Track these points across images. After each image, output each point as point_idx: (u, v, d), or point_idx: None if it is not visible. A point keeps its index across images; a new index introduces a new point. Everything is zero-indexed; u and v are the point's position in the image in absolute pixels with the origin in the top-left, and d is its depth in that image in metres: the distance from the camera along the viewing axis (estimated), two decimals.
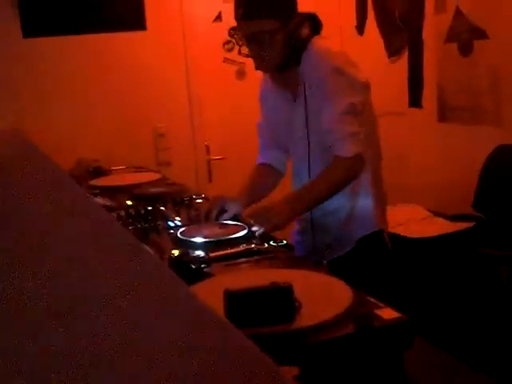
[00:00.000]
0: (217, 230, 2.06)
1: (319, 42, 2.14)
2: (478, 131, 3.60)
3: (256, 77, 4.39)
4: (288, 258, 1.81)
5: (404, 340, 1.36)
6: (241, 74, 4.29)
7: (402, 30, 4.07)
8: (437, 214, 3.65)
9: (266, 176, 2.42)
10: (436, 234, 3.33)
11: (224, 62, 4.28)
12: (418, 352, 1.44)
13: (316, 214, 2.21)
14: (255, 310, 1.30)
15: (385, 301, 1.43)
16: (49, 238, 0.44)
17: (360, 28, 4.43)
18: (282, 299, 1.31)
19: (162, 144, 4.04)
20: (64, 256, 0.43)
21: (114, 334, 0.41)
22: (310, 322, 1.30)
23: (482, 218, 3.37)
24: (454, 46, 3.70)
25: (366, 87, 2.13)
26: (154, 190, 2.73)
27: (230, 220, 2.15)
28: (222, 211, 2.16)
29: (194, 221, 2.21)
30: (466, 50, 3.61)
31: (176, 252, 1.83)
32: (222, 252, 1.82)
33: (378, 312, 1.36)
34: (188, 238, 1.99)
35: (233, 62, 4.29)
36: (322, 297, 1.47)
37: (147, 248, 1.88)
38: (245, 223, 2.09)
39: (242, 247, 1.86)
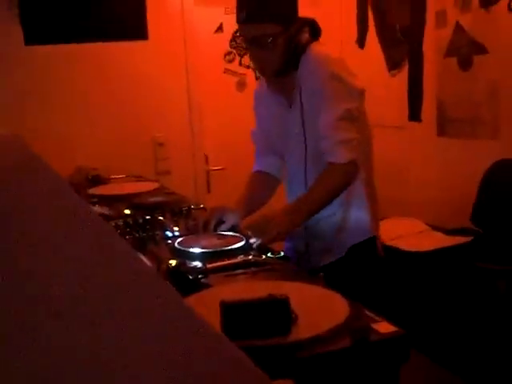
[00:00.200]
0: (215, 241, 2.06)
1: (318, 48, 2.16)
2: (476, 145, 3.61)
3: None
4: (285, 269, 1.80)
5: (400, 354, 1.36)
6: (241, 85, 4.30)
7: (402, 44, 4.09)
8: (435, 227, 3.65)
9: (262, 184, 2.42)
10: (433, 247, 3.33)
11: (224, 72, 4.29)
12: (414, 366, 1.43)
13: (309, 220, 2.20)
14: (251, 321, 1.30)
15: (382, 314, 1.43)
16: (43, 246, 0.44)
17: (361, 41, 4.45)
18: (278, 311, 1.31)
19: (161, 153, 4.04)
20: (57, 267, 0.43)
21: (105, 344, 0.41)
22: (306, 335, 1.30)
23: (480, 233, 3.37)
24: (453, 61, 3.72)
25: (361, 94, 2.14)
26: (152, 199, 2.73)
27: (228, 231, 2.15)
28: (220, 222, 2.16)
29: (192, 231, 2.21)
30: (465, 64, 3.63)
31: (173, 262, 1.83)
32: (220, 263, 1.81)
33: (375, 326, 1.36)
34: (186, 249, 1.98)
35: (233, 72, 4.30)
36: (319, 309, 1.47)
37: (143, 257, 1.88)
38: (243, 234, 2.08)
39: (240, 258, 1.85)
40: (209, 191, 4.23)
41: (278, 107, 2.26)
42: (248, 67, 4.31)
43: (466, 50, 3.61)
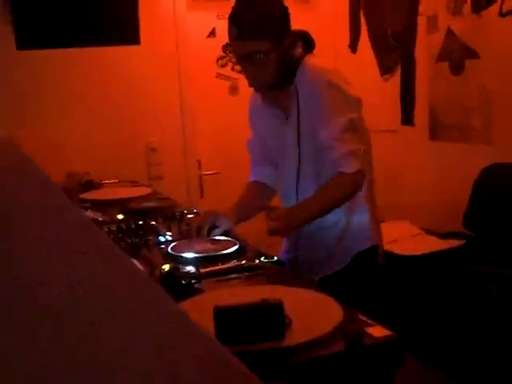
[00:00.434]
0: (208, 246, 2.06)
1: (312, 60, 2.15)
2: (468, 150, 3.62)
3: (249, 93, 4.40)
4: (279, 274, 1.80)
5: (395, 358, 1.36)
6: (234, 89, 4.30)
7: (394, 49, 4.10)
8: (428, 231, 3.66)
9: (258, 193, 2.41)
10: (427, 251, 3.34)
11: (217, 77, 4.29)
12: (409, 370, 1.43)
13: (311, 228, 2.19)
14: (245, 326, 1.30)
15: (376, 318, 1.43)
16: (33, 250, 0.43)
17: (353, 46, 4.46)
18: (272, 316, 1.30)
19: (154, 158, 4.04)
20: (47, 269, 0.43)
21: (96, 347, 0.41)
22: (300, 339, 1.30)
23: (473, 236, 3.38)
24: (445, 65, 3.73)
25: (359, 103, 2.14)
26: (145, 204, 2.73)
27: (222, 236, 2.14)
28: (214, 227, 2.16)
29: (185, 236, 2.20)
30: (457, 69, 3.64)
31: (166, 267, 1.82)
32: (213, 268, 1.81)
33: (369, 330, 1.36)
34: (179, 254, 1.98)
35: (226, 77, 4.31)
36: (313, 314, 1.47)
37: (136, 262, 1.87)
38: (236, 239, 2.08)
39: (233, 263, 1.85)
40: (202, 196, 4.23)
41: (273, 119, 2.25)
42: (240, 72, 4.31)
43: (457, 55, 3.63)
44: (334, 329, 1.34)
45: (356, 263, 2.22)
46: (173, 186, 3.84)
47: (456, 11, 3.59)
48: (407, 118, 4.06)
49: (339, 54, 4.36)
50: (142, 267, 1.85)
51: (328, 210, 2.06)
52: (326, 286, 2.10)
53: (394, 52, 4.11)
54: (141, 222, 2.34)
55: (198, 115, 4.16)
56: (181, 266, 1.83)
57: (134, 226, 2.31)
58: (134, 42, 3.87)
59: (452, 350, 3.01)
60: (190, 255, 1.96)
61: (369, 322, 1.40)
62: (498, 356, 2.85)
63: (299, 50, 2.13)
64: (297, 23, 2.20)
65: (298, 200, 2.20)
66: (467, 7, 3.50)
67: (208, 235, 2.13)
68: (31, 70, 3.67)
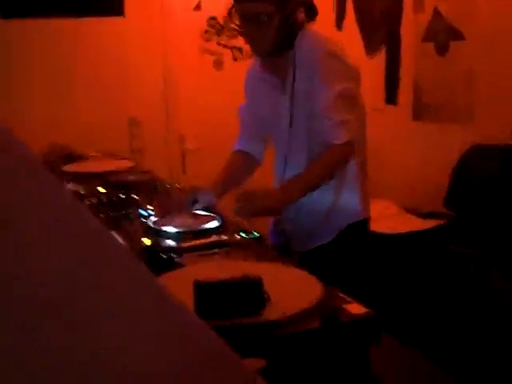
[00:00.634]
0: (189, 221, 2.06)
1: (313, 28, 2.16)
2: (451, 130, 3.64)
3: (233, 68, 4.37)
4: (259, 250, 1.81)
5: (371, 335, 1.38)
6: (218, 64, 4.27)
7: (380, 27, 4.09)
8: (409, 210, 3.68)
9: (242, 164, 2.41)
10: (407, 230, 3.37)
11: (202, 51, 4.26)
12: (384, 348, 1.45)
13: (298, 202, 2.19)
14: (224, 301, 1.31)
15: (355, 295, 1.44)
16: (9, 225, 0.43)
17: (339, 24, 4.44)
18: (251, 292, 1.31)
19: (137, 132, 4.01)
20: (25, 242, 0.43)
21: (71, 328, 0.41)
22: (277, 316, 1.31)
23: (453, 216, 3.41)
24: (431, 46, 3.73)
25: (358, 75, 2.14)
26: (126, 177, 2.71)
27: (203, 210, 2.15)
28: (195, 201, 2.16)
29: (166, 210, 2.20)
30: (442, 49, 3.64)
31: (147, 241, 1.83)
32: (194, 242, 1.81)
33: (346, 307, 1.37)
34: (160, 228, 1.98)
35: (211, 52, 4.27)
36: (292, 290, 1.48)
37: (117, 235, 1.87)
38: (217, 213, 2.08)
39: (214, 238, 1.86)
40: (184, 171, 4.21)
41: (271, 88, 2.24)
42: (225, 46, 4.28)
43: (443, 36, 3.63)
44: (311, 305, 1.35)
45: (344, 237, 2.23)
46: (155, 161, 3.82)
47: None
48: (391, 98, 4.06)
49: (325, 31, 4.33)
50: (122, 240, 1.85)
51: (317, 183, 2.06)
52: (313, 258, 2.13)
53: (380, 31, 4.10)
54: (122, 196, 2.33)
55: (182, 89, 4.13)
56: (162, 241, 1.83)
57: (115, 199, 2.30)
58: (118, 14, 3.83)
59: (428, 328, 3.05)
60: (170, 229, 1.96)
61: (346, 299, 1.42)
62: (473, 334, 2.89)
63: (301, 16, 2.12)
64: None
65: (285, 171, 2.20)
66: None
67: (189, 209, 2.13)
68: (14, 40, 3.62)
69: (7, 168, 0.47)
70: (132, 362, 0.42)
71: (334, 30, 4.44)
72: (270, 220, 2.40)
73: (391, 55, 4.03)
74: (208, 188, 2.23)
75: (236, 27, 2.21)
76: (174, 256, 1.73)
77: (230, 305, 1.31)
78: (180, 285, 1.37)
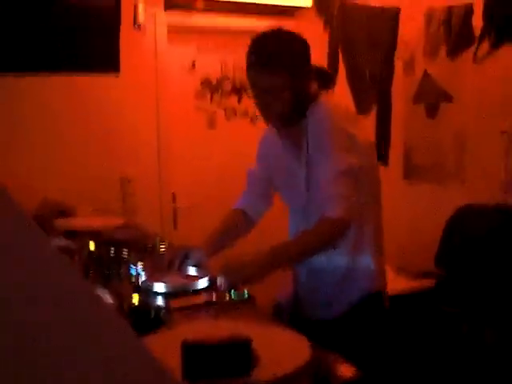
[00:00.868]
0: (179, 279, 2.05)
1: (327, 99, 2.11)
2: (441, 190, 3.67)
3: (226, 127, 4.43)
4: (249, 310, 1.80)
5: None
6: (211, 122, 4.33)
7: (371, 89, 4.17)
8: (399, 270, 3.68)
9: (239, 223, 2.38)
10: (398, 292, 3.36)
11: (195, 110, 4.31)
12: None
13: (311, 269, 2.17)
14: (213, 362, 1.29)
15: (349, 356, 1.43)
16: None
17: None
18: (239, 353, 1.30)
19: (129, 189, 4.02)
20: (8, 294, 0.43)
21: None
22: (267, 377, 1.29)
23: (444, 276, 3.41)
24: (421, 107, 3.80)
25: (369, 149, 2.11)
26: (118, 235, 2.71)
27: (193, 269, 2.14)
28: (185, 260, 2.15)
29: (156, 268, 2.19)
30: (432, 111, 3.71)
31: (136, 299, 1.81)
32: (183, 302, 1.80)
33: (336, 367, 1.36)
34: (149, 286, 1.97)
35: (204, 110, 4.33)
36: (281, 351, 1.46)
37: (106, 293, 1.86)
38: (207, 273, 2.07)
39: (203, 297, 1.84)
40: (175, 228, 4.21)
41: (286, 154, 2.20)
42: (219, 105, 4.34)
43: (433, 98, 3.70)
44: (301, 367, 1.34)
45: (360, 308, 2.15)
46: (147, 218, 3.82)
47: (432, 55, 3.67)
48: (382, 158, 4.10)
49: None
50: (111, 298, 1.83)
51: (300, 256, 2.03)
52: (326, 330, 2.05)
53: (371, 92, 4.17)
54: (113, 253, 2.32)
55: (175, 147, 4.16)
56: (151, 299, 1.82)
57: (105, 256, 2.29)
58: (113, 71, 3.87)
59: None
60: (160, 288, 1.94)
61: (337, 359, 1.40)
62: None
63: (314, 87, 2.10)
64: None
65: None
66: (442, 52, 3.59)
67: (179, 268, 2.12)
68: (6, 96, 3.65)
69: None
70: None
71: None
72: (281, 281, 2.35)
73: (382, 115, 4.09)
74: (199, 247, 2.23)
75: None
76: (163, 315, 1.71)
77: (219, 366, 1.29)
78: (168, 345, 1.36)
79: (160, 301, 1.81)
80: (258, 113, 2.17)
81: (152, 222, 3.85)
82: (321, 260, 2.12)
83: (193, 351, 1.29)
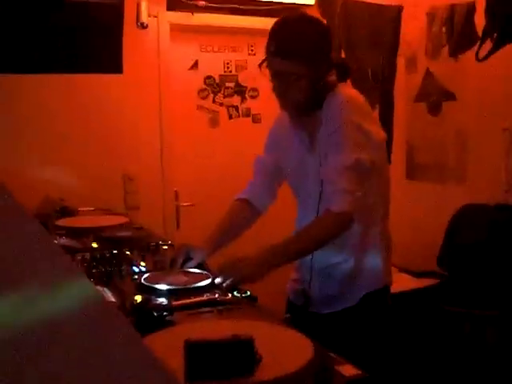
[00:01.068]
0: (181, 278, 2.05)
1: (344, 90, 2.10)
2: (444, 189, 3.67)
3: (228, 125, 4.43)
4: (251, 309, 1.80)
5: None
6: (214, 121, 4.33)
7: (373, 88, 4.16)
8: (402, 269, 3.67)
9: (244, 214, 2.36)
10: (400, 290, 3.35)
11: (198, 109, 4.32)
12: None
13: (319, 265, 2.17)
14: (216, 361, 1.29)
15: (350, 355, 1.42)
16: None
17: None
18: (242, 352, 1.30)
19: (132, 188, 4.03)
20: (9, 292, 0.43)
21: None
22: (269, 376, 1.29)
23: (446, 275, 3.41)
24: (423, 106, 3.79)
25: (381, 145, 2.10)
26: (120, 233, 2.71)
27: (195, 268, 2.14)
28: (188, 259, 2.15)
29: (158, 267, 2.19)
30: (434, 110, 3.70)
31: (138, 298, 1.81)
32: (185, 301, 1.80)
33: (339, 368, 1.36)
34: (151, 285, 1.97)
35: (206, 109, 4.33)
36: (284, 350, 1.46)
37: (108, 292, 1.86)
38: (210, 272, 2.07)
39: (206, 296, 1.84)
40: (178, 227, 4.21)
41: (298, 143, 2.19)
42: (221, 105, 4.34)
43: (435, 96, 3.70)
44: (303, 366, 1.34)
45: (364, 305, 2.17)
46: (149, 216, 3.83)
47: (434, 54, 3.66)
48: None
49: None
50: (113, 297, 1.83)
51: (303, 251, 2.04)
52: (334, 322, 2.10)
53: (373, 91, 4.17)
54: (115, 252, 2.32)
55: (178, 146, 4.17)
56: (153, 298, 1.82)
57: (108, 255, 2.29)
58: (116, 71, 3.88)
59: None
60: (162, 287, 1.94)
61: (339, 360, 1.40)
62: None
63: (333, 78, 2.09)
64: None
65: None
66: (445, 51, 3.58)
67: (182, 267, 2.12)
68: (9, 94, 3.65)
69: None
70: None
71: None
72: (289, 276, 2.37)
73: (384, 114, 4.09)
74: (201, 245, 2.22)
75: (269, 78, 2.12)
76: (165, 314, 1.71)
77: (222, 365, 1.29)
78: (171, 344, 1.36)
79: (162, 300, 1.80)
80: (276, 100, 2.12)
81: (154, 220, 3.86)
82: (329, 259, 2.13)
83: (196, 350, 1.29)
